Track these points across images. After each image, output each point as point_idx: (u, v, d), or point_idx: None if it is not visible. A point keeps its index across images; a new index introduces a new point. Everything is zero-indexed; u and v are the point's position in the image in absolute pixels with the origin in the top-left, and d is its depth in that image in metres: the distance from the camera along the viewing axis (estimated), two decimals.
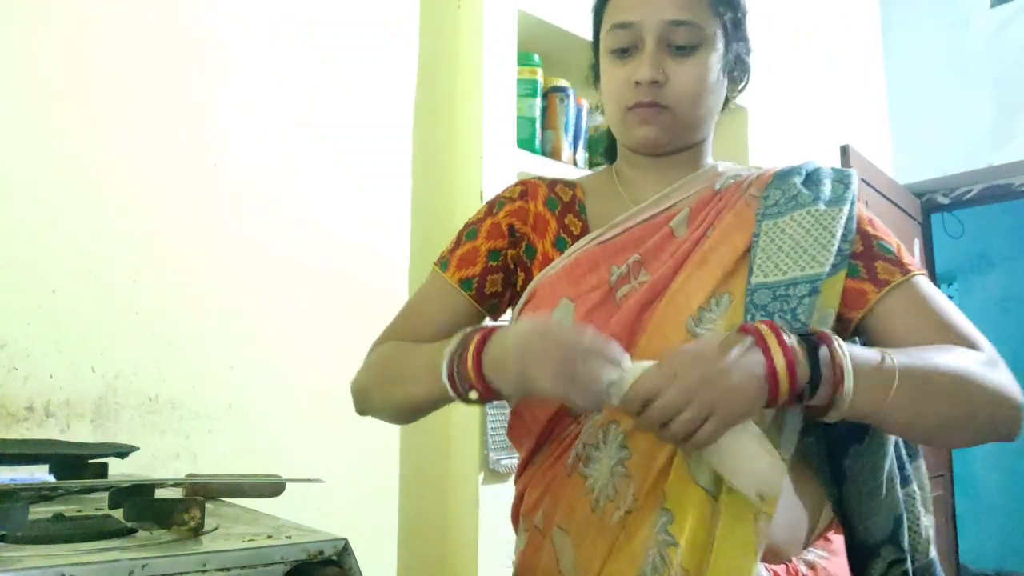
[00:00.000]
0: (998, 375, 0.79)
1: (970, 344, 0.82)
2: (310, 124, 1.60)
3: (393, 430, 1.65)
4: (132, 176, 1.35)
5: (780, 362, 0.71)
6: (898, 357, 0.74)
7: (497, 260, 0.97)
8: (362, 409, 0.98)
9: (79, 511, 0.79)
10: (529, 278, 0.96)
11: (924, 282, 0.86)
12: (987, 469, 5.18)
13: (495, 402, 0.84)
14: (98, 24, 1.34)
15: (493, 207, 1.01)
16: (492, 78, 1.79)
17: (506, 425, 0.99)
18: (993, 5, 3.36)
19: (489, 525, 1.64)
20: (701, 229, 0.90)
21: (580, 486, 0.84)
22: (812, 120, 3.09)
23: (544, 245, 0.96)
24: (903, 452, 0.91)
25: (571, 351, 0.71)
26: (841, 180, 0.91)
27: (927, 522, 0.90)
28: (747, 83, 1.00)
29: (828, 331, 0.75)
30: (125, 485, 0.82)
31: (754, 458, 0.71)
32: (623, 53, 0.92)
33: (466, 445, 1.69)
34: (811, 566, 0.82)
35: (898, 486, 0.89)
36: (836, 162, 2.83)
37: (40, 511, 0.75)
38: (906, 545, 0.89)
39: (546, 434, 0.90)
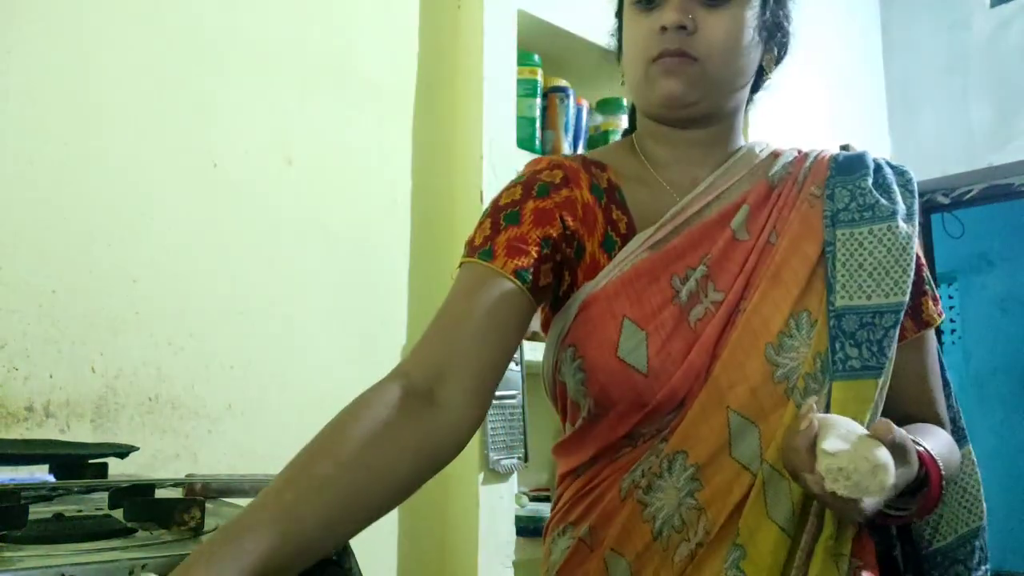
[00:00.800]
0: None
1: (941, 420, 0.88)
2: (310, 124, 1.60)
3: None
4: (132, 176, 1.35)
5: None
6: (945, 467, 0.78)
7: (549, 248, 0.81)
8: None
9: (79, 511, 0.79)
10: (574, 283, 0.85)
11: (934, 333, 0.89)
12: (987, 469, 5.14)
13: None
14: (99, 23, 1.34)
15: (531, 189, 0.84)
16: (492, 78, 1.79)
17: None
18: (993, 5, 3.36)
19: (489, 525, 1.63)
20: (765, 233, 0.83)
21: (637, 513, 0.81)
22: (812, 120, 3.09)
23: (592, 245, 0.84)
24: None
25: None
26: (907, 187, 0.85)
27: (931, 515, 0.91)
28: (785, 55, 0.93)
29: (938, 465, 0.75)
30: (125, 485, 0.82)
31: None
32: (648, 3, 0.83)
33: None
34: (852, 569, 0.80)
35: None
36: None
37: (40, 511, 0.75)
38: (894, 531, 0.90)
39: (601, 453, 0.85)
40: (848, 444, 0.66)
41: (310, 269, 1.56)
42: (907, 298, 0.79)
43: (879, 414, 0.77)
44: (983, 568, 0.88)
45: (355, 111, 1.68)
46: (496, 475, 1.66)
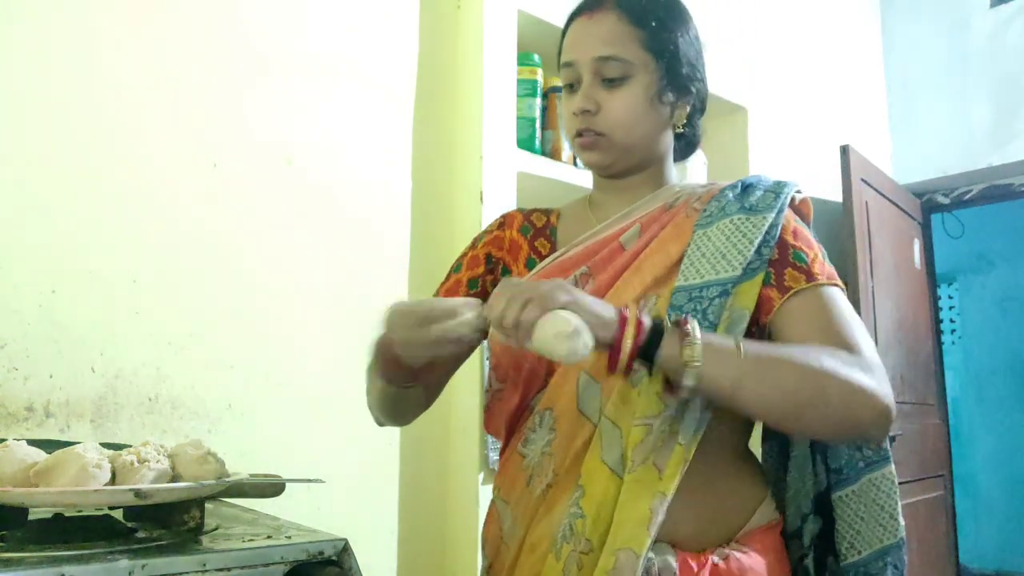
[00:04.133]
0: (862, 375, 0.82)
1: (849, 348, 0.85)
2: (310, 124, 1.60)
3: (393, 430, 1.65)
4: (132, 176, 1.35)
5: (629, 316, 0.80)
6: (752, 344, 0.82)
7: (476, 287, 1.08)
8: (377, 420, 1.09)
9: (79, 511, 0.79)
10: None
11: (830, 292, 0.91)
12: (987, 469, 5.18)
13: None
14: (99, 23, 1.34)
15: (476, 241, 1.13)
16: (492, 78, 1.79)
17: None
18: (993, 5, 3.36)
19: None
20: (644, 242, 0.99)
21: (519, 463, 0.97)
22: (812, 120, 3.09)
23: (518, 267, 1.08)
24: (840, 463, 0.99)
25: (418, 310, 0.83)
26: (773, 190, 0.98)
27: (849, 528, 0.97)
28: (698, 107, 1.05)
29: (689, 316, 0.81)
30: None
31: (557, 325, 0.76)
32: (570, 88, 1.02)
33: (466, 445, 1.69)
34: (724, 557, 0.89)
35: (811, 489, 1.01)
36: (836, 162, 2.83)
37: (40, 511, 0.75)
38: (806, 542, 1.00)
39: (511, 424, 1.01)
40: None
41: (310, 269, 1.56)
42: (738, 272, 0.90)
43: None
44: None
45: (355, 111, 1.68)
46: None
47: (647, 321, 0.80)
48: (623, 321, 0.79)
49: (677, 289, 0.92)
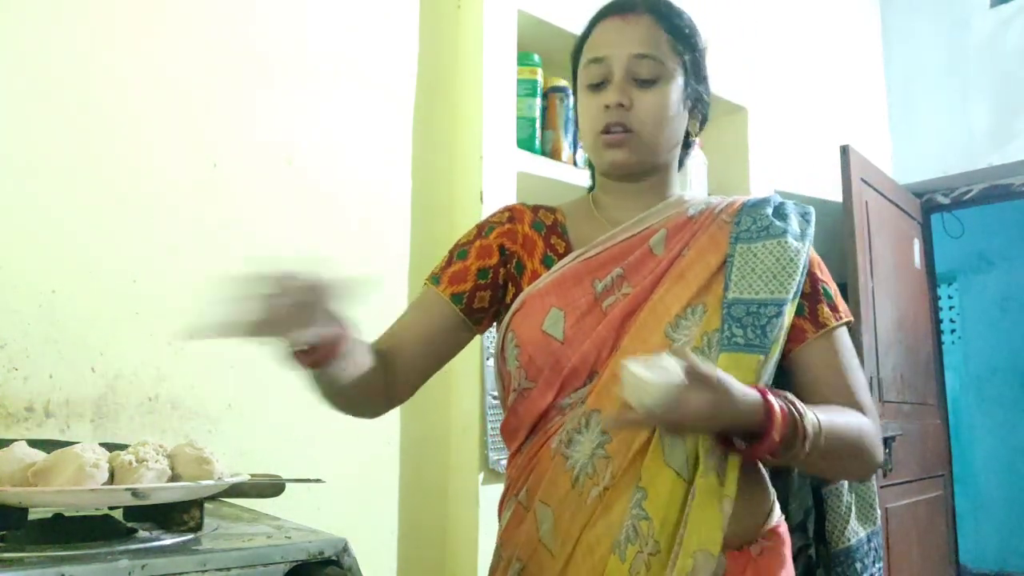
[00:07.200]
0: (876, 440, 0.96)
1: (862, 407, 0.97)
2: (310, 124, 1.60)
3: (393, 430, 1.65)
4: (132, 176, 1.35)
5: (773, 442, 0.85)
6: (824, 424, 0.87)
7: (486, 278, 1.06)
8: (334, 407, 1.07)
9: (79, 511, 0.79)
10: (519, 291, 1.06)
11: (845, 332, 1.02)
12: (987, 469, 5.18)
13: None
14: (99, 24, 1.34)
15: (483, 230, 1.10)
16: (492, 78, 1.79)
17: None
18: (993, 5, 3.36)
19: (489, 525, 1.63)
20: (677, 248, 1.02)
21: (562, 465, 0.96)
22: (812, 120, 3.09)
23: (533, 263, 1.07)
24: None
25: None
26: (804, 216, 1.05)
27: (840, 519, 1.09)
28: (705, 122, 1.11)
29: (803, 410, 0.86)
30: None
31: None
32: (596, 87, 1.03)
33: (466, 445, 1.69)
34: (759, 552, 0.96)
35: (808, 484, 1.12)
36: (836, 162, 2.83)
37: (40, 511, 0.75)
38: (811, 533, 1.11)
39: (535, 426, 1.01)
40: (643, 368, 0.79)
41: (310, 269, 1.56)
42: (789, 296, 0.96)
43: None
44: (877, 565, 1.09)
45: (355, 111, 1.68)
46: (496, 475, 1.66)
47: (784, 417, 0.84)
48: (771, 423, 0.83)
49: (734, 301, 0.96)
